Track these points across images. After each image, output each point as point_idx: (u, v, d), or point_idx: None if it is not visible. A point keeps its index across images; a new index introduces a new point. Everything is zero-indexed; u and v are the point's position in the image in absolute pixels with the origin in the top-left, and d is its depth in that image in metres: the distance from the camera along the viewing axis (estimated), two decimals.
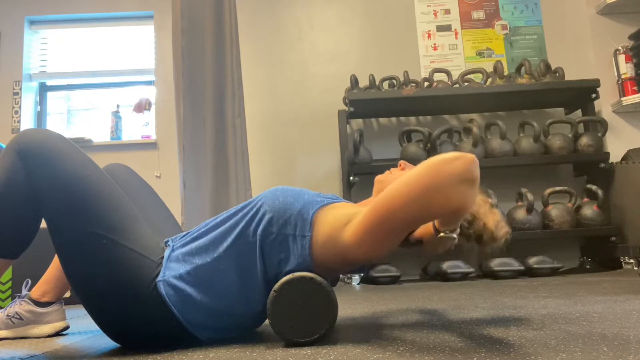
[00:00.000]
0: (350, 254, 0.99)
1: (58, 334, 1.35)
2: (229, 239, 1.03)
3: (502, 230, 1.06)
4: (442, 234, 0.97)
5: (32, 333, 1.31)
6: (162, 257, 1.04)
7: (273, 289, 0.98)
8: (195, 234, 1.09)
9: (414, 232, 1.07)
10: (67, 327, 1.37)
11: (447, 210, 0.88)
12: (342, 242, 0.98)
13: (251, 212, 1.05)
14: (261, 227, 1.02)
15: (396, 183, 0.91)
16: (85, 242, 0.97)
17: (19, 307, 1.31)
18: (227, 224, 1.05)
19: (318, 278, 0.99)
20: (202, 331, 1.03)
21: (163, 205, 1.35)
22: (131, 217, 1.04)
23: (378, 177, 1.19)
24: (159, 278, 0.99)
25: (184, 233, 1.13)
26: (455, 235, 0.98)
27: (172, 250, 1.05)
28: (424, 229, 1.05)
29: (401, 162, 1.20)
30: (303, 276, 0.98)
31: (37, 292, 1.33)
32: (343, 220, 1.00)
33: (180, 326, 1.00)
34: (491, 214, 1.08)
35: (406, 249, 1.10)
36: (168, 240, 1.11)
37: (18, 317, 1.30)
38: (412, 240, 1.08)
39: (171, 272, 1.00)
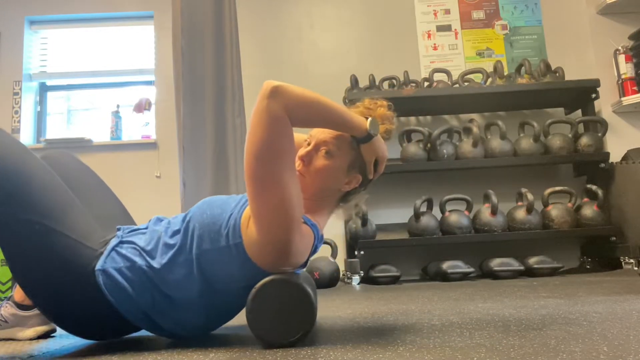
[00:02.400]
0: (265, 243, 0.98)
1: (44, 337, 1.31)
2: (167, 257, 1.03)
3: (379, 104, 1.18)
4: (369, 129, 1.04)
5: (17, 336, 1.29)
6: (104, 245, 1.04)
7: (254, 288, 0.96)
8: (143, 234, 1.09)
9: (366, 172, 1.12)
10: (53, 330, 1.33)
11: (283, 125, 0.96)
12: (254, 236, 0.98)
13: (183, 229, 1.05)
14: (195, 245, 1.02)
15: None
16: (20, 228, 0.97)
17: (4, 309, 1.30)
18: (168, 239, 1.05)
19: (296, 280, 0.98)
20: (142, 325, 1.03)
21: (107, 189, 1.35)
22: (68, 204, 1.04)
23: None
24: (98, 267, 0.99)
25: (135, 227, 1.13)
26: (376, 121, 1.07)
27: (120, 242, 1.05)
28: (369, 154, 1.10)
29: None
30: (282, 279, 0.97)
31: (19, 294, 1.31)
32: (247, 218, 1.02)
33: (119, 316, 1.00)
34: (373, 108, 1.16)
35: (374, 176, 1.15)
36: (120, 228, 1.11)
37: (3, 319, 1.29)
38: (372, 171, 1.12)
39: (112, 263, 1.01)
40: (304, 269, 1.24)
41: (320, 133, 1.09)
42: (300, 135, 1.16)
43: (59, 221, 1.00)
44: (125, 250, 1.04)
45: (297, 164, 1.09)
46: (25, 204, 0.98)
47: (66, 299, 1.00)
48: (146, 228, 1.12)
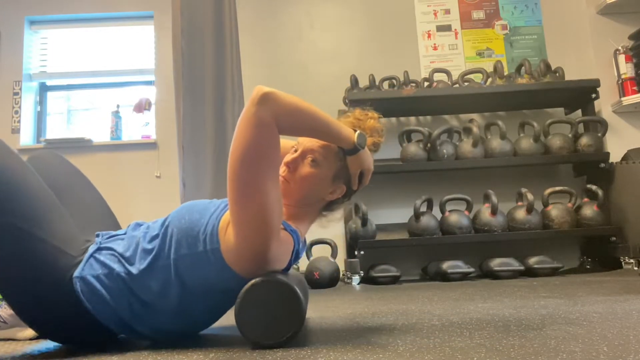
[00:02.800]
0: (244, 248, 0.98)
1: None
2: (145, 263, 1.02)
3: (369, 116, 1.17)
4: (357, 142, 1.05)
5: (16, 336, 1.29)
6: (84, 252, 1.03)
7: (242, 289, 0.96)
8: (122, 240, 1.08)
9: (351, 183, 1.13)
10: None
11: (267, 127, 0.95)
12: (232, 242, 0.98)
13: (161, 234, 1.05)
14: (173, 249, 1.02)
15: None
16: (0, 231, 0.95)
17: (2, 310, 1.30)
18: (147, 244, 1.05)
19: (283, 279, 0.98)
20: (121, 332, 1.03)
21: (93, 191, 1.34)
22: (50, 209, 1.03)
23: None
24: (76, 274, 0.99)
25: (114, 233, 1.12)
26: (364, 134, 1.07)
27: (98, 249, 1.05)
28: (355, 166, 1.11)
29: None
30: (269, 279, 0.97)
31: None
32: (226, 223, 1.01)
33: (96, 322, 1.00)
34: (363, 119, 1.16)
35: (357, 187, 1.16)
36: (99, 234, 1.11)
37: (2, 320, 1.29)
38: (356, 183, 1.13)
39: (90, 270, 1.00)
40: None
41: (308, 141, 1.10)
42: (287, 141, 1.16)
43: (41, 226, 0.98)
44: (103, 257, 1.03)
45: (283, 169, 1.10)
46: (8, 208, 0.96)
47: (43, 305, 0.99)
48: (125, 234, 1.11)
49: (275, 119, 0.95)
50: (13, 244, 0.96)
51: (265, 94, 0.95)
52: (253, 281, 0.97)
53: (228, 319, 1.17)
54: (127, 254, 1.04)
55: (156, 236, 1.06)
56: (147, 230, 1.09)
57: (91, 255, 1.02)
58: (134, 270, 1.01)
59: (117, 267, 1.02)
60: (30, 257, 0.96)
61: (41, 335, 1.05)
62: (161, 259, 1.02)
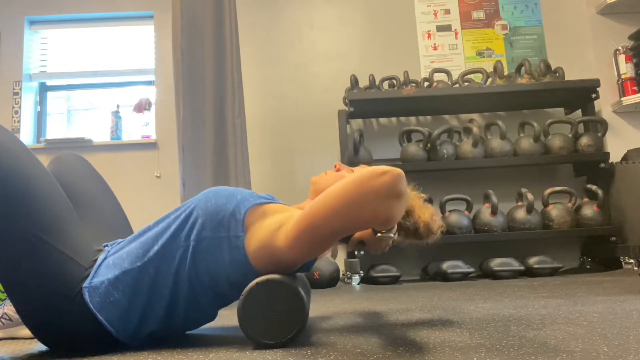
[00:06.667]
0: (283, 258, 1.00)
1: None
2: (159, 243, 1.02)
3: (437, 223, 1.13)
4: (379, 234, 1.02)
5: (21, 334, 1.30)
6: (94, 263, 1.02)
7: (245, 289, 0.97)
8: (129, 239, 1.08)
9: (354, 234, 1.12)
10: None
11: (374, 223, 0.94)
12: (275, 246, 0.99)
13: (183, 216, 1.04)
14: (194, 232, 1.02)
15: (326, 193, 0.95)
16: (13, 237, 0.94)
17: (7, 308, 1.30)
18: (159, 228, 1.05)
19: (286, 279, 0.98)
20: (130, 340, 1.02)
21: (112, 198, 1.33)
22: (66, 218, 1.02)
23: (313, 179, 1.23)
24: (85, 284, 0.98)
25: (121, 240, 1.12)
26: (392, 235, 1.02)
27: (106, 257, 1.04)
28: (362, 235, 1.11)
29: (337, 163, 1.23)
30: (272, 279, 0.97)
31: None
32: (276, 225, 1.01)
33: (106, 332, 0.99)
34: (425, 208, 1.14)
35: (349, 249, 1.17)
36: (107, 245, 1.10)
37: (7, 318, 1.29)
38: (353, 242, 1.13)
39: (98, 279, 0.99)
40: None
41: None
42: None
43: (54, 234, 0.97)
44: (113, 260, 1.02)
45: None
46: (22, 213, 0.95)
47: (49, 313, 0.97)
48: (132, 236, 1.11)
49: (388, 220, 0.93)
50: (25, 250, 0.95)
51: (403, 191, 0.91)
52: (255, 281, 0.97)
53: (228, 319, 1.17)
54: (136, 247, 1.04)
55: (175, 219, 1.05)
56: (157, 223, 1.08)
57: (100, 265, 1.02)
58: (145, 257, 1.01)
59: (127, 264, 1.01)
60: (41, 264, 0.95)
61: (40, 341, 1.05)
62: (177, 242, 1.02)
